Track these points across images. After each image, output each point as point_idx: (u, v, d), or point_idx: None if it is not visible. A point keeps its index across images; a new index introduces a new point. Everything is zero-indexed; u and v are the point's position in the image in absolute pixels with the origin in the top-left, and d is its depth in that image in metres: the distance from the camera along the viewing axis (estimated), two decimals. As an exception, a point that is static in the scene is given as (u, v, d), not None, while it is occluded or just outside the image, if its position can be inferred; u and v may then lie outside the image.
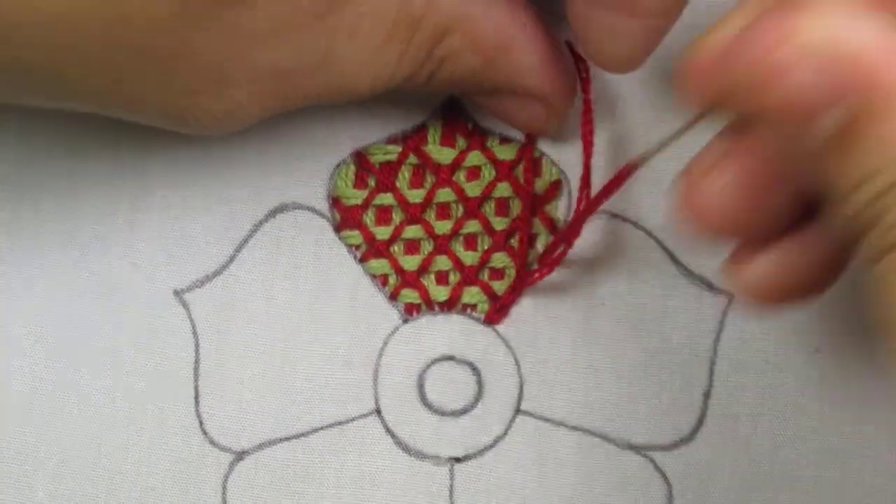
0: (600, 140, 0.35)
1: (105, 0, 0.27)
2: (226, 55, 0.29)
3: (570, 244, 0.34)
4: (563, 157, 0.35)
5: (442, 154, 0.35)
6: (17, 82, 0.29)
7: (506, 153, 0.35)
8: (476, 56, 0.31)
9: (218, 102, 0.29)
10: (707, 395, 0.35)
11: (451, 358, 0.35)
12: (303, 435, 0.35)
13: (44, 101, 0.30)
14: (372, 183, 0.35)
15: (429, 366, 0.35)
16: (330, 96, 0.31)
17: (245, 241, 0.35)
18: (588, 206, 0.33)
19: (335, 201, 0.35)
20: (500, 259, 0.35)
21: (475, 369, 0.35)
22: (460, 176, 0.35)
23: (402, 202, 0.35)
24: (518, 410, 0.35)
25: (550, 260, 0.34)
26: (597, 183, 0.35)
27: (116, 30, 0.27)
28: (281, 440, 0.35)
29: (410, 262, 0.35)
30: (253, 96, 0.30)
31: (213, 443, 0.35)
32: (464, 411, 0.35)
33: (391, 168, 0.35)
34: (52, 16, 0.27)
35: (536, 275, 0.34)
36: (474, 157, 0.35)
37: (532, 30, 0.32)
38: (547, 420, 0.35)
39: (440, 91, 0.33)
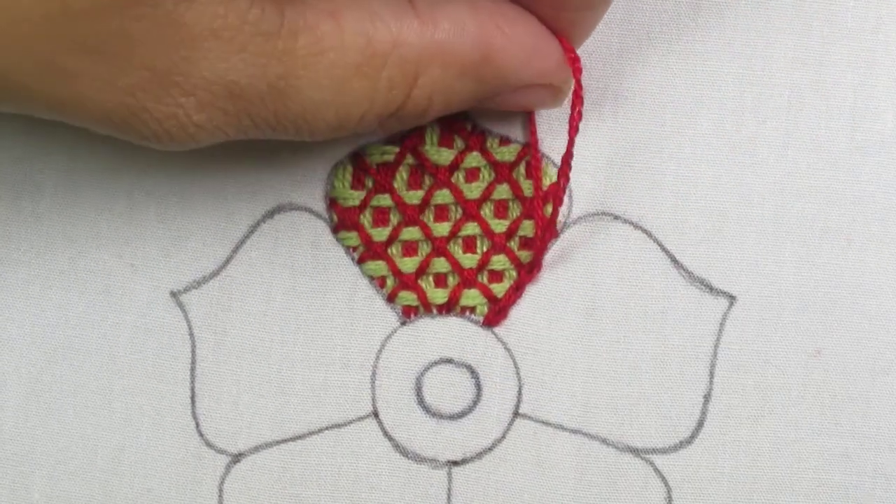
0: (600, 139, 0.35)
1: None
2: (170, 56, 0.28)
3: (546, 239, 0.34)
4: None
5: (440, 155, 0.35)
6: None
7: (505, 154, 0.35)
8: (464, 79, 0.31)
9: (163, 106, 0.29)
10: (707, 398, 0.35)
11: (449, 360, 0.35)
12: (300, 437, 0.35)
13: None
14: (369, 184, 0.35)
15: (427, 368, 0.35)
16: (290, 128, 0.30)
17: (242, 242, 0.35)
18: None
19: (332, 202, 0.35)
20: (499, 261, 0.35)
21: (474, 372, 0.35)
22: (459, 177, 0.35)
23: (400, 203, 0.35)
24: (517, 413, 0.35)
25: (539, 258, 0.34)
26: (594, 186, 0.35)
27: (57, 20, 0.27)
28: (278, 442, 0.35)
29: (408, 264, 0.35)
30: (202, 108, 0.29)
31: (209, 445, 0.35)
32: (462, 414, 0.35)
33: (389, 169, 0.35)
34: None
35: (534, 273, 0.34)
36: (473, 159, 0.35)
37: (509, 27, 0.31)
38: (546, 423, 0.35)
39: (443, 115, 0.33)
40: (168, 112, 0.29)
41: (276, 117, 0.30)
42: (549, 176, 0.35)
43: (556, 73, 0.32)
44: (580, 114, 0.33)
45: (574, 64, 0.32)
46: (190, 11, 0.28)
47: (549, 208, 0.35)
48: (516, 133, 0.35)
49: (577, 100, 0.33)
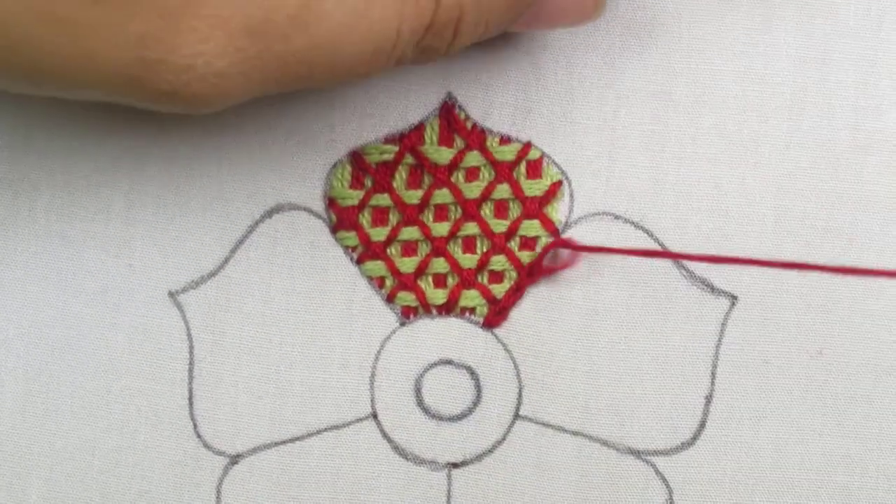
0: (601, 138, 0.35)
1: None
2: None
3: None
4: (564, 158, 0.35)
5: (440, 154, 0.35)
6: None
7: (505, 154, 0.35)
8: None
9: (180, 58, 0.27)
10: (708, 399, 0.35)
11: (449, 362, 0.35)
12: (298, 439, 0.35)
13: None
14: (368, 183, 0.35)
15: (426, 370, 0.35)
16: (319, 66, 0.28)
17: (240, 241, 0.35)
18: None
19: (331, 202, 0.35)
20: (499, 262, 0.35)
21: (473, 373, 0.35)
22: (459, 177, 0.35)
23: (399, 203, 0.35)
24: (517, 415, 0.35)
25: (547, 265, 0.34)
26: (595, 185, 0.35)
27: None
28: (276, 444, 0.35)
29: (407, 265, 0.35)
30: (222, 53, 0.27)
31: (207, 446, 0.35)
32: (462, 416, 0.35)
33: (388, 168, 0.35)
34: None
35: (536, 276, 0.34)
36: (473, 158, 0.35)
37: None
38: (546, 425, 0.35)
39: (480, 38, 0.31)
40: (185, 63, 0.27)
41: (302, 52, 0.27)
42: (550, 176, 0.35)
43: None
44: None
45: None
46: None
47: (550, 209, 0.35)
48: (516, 132, 0.35)
49: None
